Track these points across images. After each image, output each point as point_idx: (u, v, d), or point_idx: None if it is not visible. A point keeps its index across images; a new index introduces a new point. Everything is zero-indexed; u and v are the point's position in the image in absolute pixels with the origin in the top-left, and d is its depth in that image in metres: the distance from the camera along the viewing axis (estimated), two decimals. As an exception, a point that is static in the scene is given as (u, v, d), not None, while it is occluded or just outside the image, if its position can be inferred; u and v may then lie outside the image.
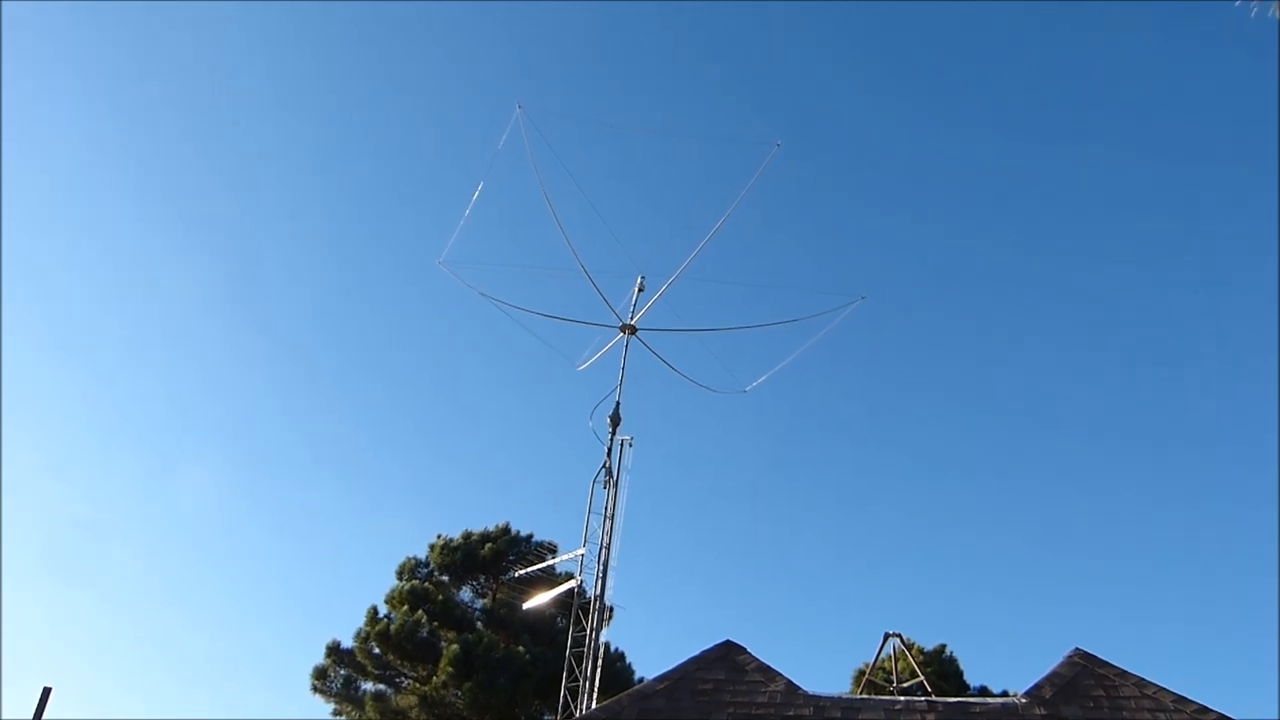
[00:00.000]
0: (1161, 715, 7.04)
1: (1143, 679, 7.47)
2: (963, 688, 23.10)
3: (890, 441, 46.62)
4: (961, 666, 25.13)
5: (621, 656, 22.99)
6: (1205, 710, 7.02)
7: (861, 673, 10.80)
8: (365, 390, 46.58)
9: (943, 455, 45.51)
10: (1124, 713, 7.11)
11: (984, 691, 22.54)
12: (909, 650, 15.88)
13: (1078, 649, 7.95)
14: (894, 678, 9.40)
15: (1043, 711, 7.20)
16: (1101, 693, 7.37)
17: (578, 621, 13.66)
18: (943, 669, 24.20)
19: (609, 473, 13.49)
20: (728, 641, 8.33)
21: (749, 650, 8.22)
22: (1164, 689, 7.32)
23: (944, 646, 25.62)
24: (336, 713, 22.35)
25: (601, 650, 13.62)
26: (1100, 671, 7.66)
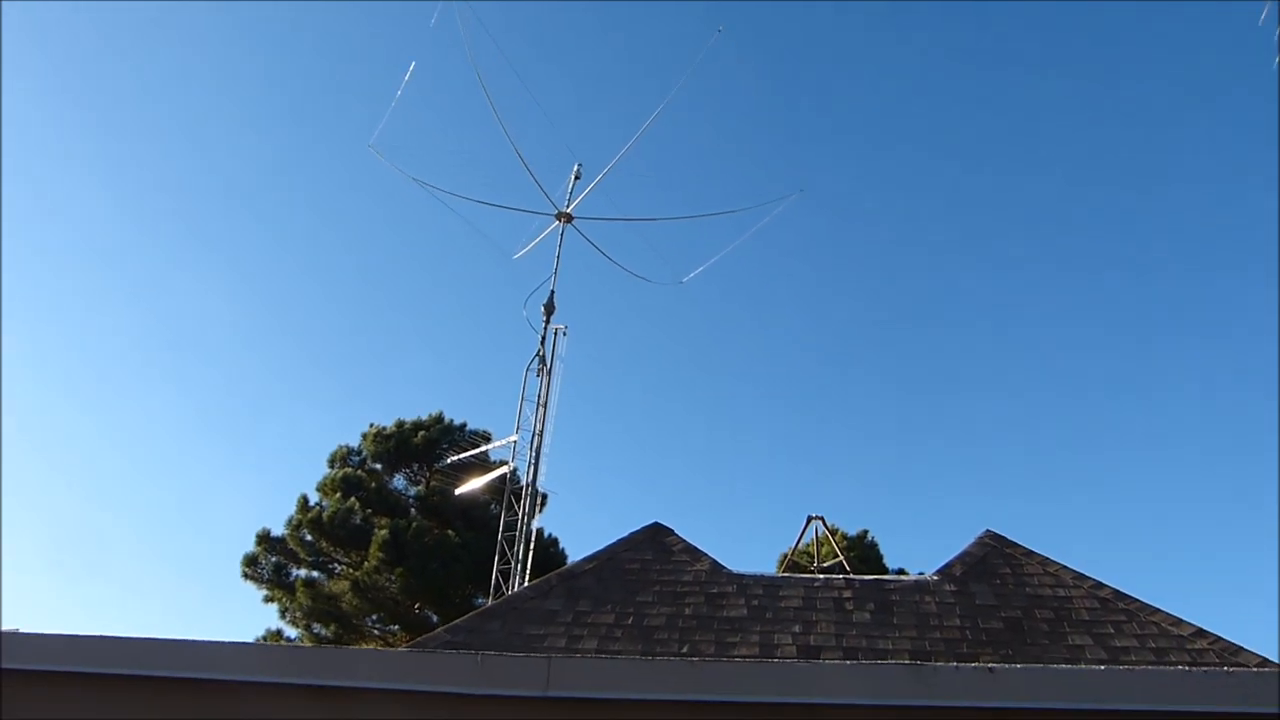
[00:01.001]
0: (1061, 590, 7.40)
1: (1047, 558, 7.81)
2: (882, 571, 24.19)
3: (822, 336, 47.36)
4: (882, 551, 26.26)
5: (554, 542, 23.53)
6: (1100, 585, 7.39)
7: (787, 557, 11.24)
8: (293, 277, 45.68)
9: (874, 351, 46.43)
10: (1027, 588, 7.45)
11: (901, 573, 23.62)
12: (831, 534, 16.52)
13: (988, 531, 8.29)
14: (816, 559, 9.82)
15: (953, 588, 7.52)
16: (1008, 571, 7.71)
17: (510, 507, 13.91)
18: (865, 553, 25.25)
19: (542, 361, 13.58)
20: (655, 524, 8.49)
21: (676, 532, 8.40)
22: (1065, 567, 7.67)
23: (866, 531, 26.68)
24: (268, 599, 22.65)
25: (533, 535, 13.92)
26: (1009, 551, 8.00)
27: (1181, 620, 6.92)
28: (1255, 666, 6.22)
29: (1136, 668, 5.29)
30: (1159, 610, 7.08)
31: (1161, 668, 6.21)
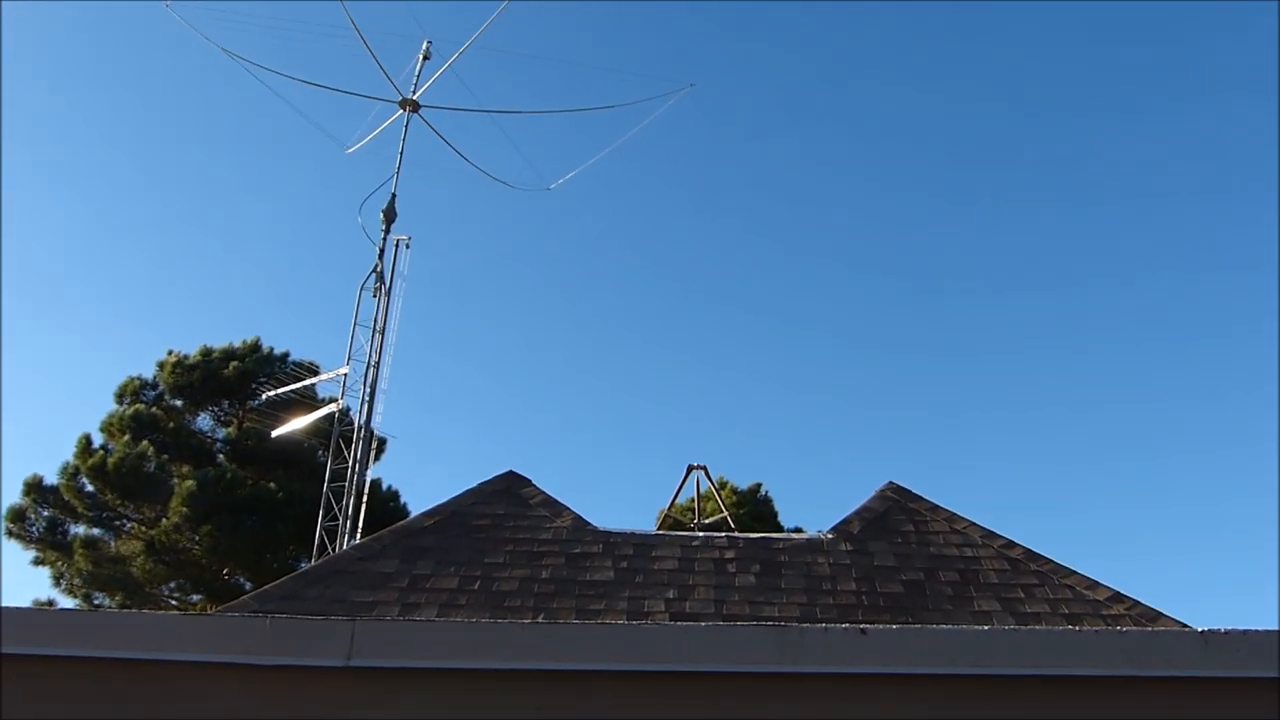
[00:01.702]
0: (969, 550, 7.61)
1: (954, 514, 8.06)
2: (777, 529, 24.79)
3: (711, 261, 47.83)
4: (777, 508, 26.93)
5: (394, 495, 23.27)
6: (1012, 544, 7.64)
7: (664, 513, 11.31)
8: (65, 171, 43.26)
9: (771, 283, 47.16)
10: (931, 547, 7.65)
11: (798, 532, 24.29)
12: (719, 487, 16.75)
13: (891, 483, 8.49)
14: (697, 514, 9.89)
15: (849, 546, 7.68)
16: (911, 528, 7.90)
17: (339, 453, 13.62)
18: (757, 509, 25.84)
19: (380, 279, 13.23)
20: (510, 472, 8.52)
21: (534, 483, 8.44)
22: (974, 524, 7.91)
23: (759, 486, 27.28)
24: (38, 561, 21.74)
25: (367, 486, 13.69)
26: (912, 506, 8.20)
27: (1098, 584, 7.21)
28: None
29: (1024, 628, 5.51)
30: (1074, 573, 7.37)
31: (1050, 628, 6.48)
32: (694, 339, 48.43)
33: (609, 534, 7.85)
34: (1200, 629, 3.98)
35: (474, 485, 8.38)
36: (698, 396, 47.33)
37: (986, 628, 5.15)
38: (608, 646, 4.01)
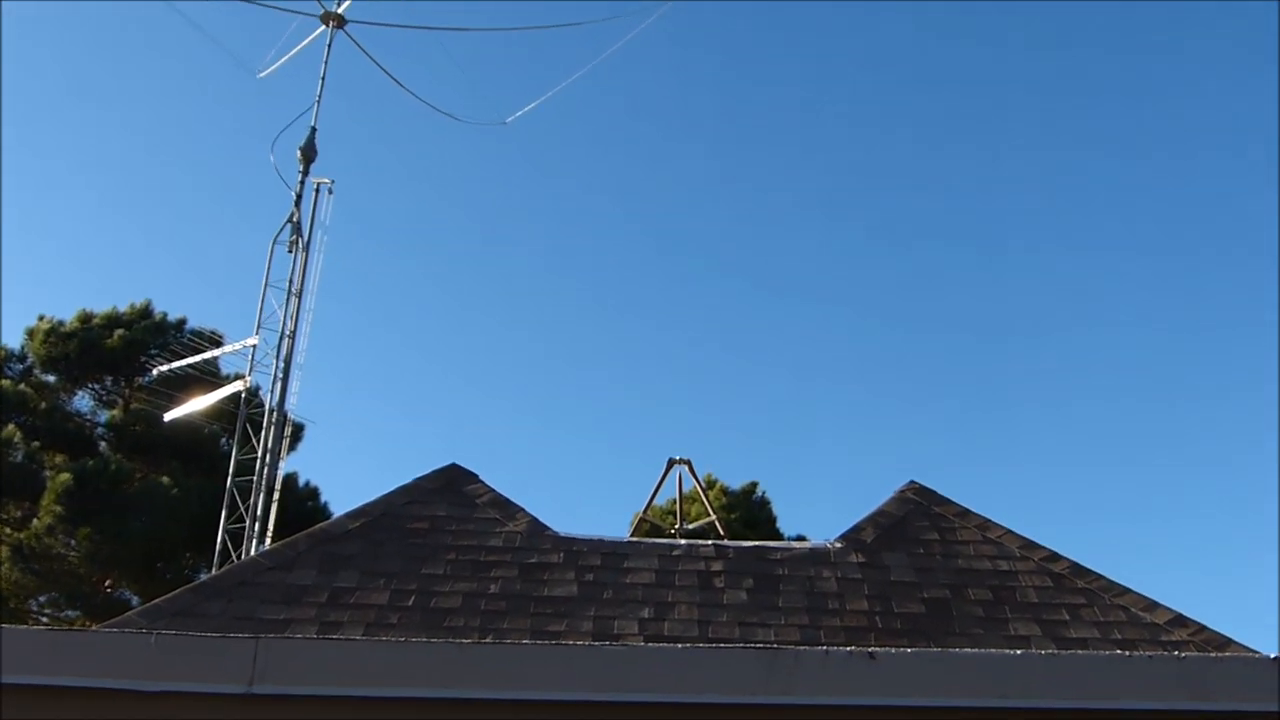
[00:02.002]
0: (1004, 563, 7.68)
1: (987, 520, 8.14)
2: (774, 536, 24.94)
3: (698, 212, 47.83)
4: (775, 511, 27.10)
5: (313, 493, 23.31)
6: (1056, 556, 7.70)
7: (640, 516, 11.33)
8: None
9: (769, 240, 47.19)
10: (959, 559, 7.72)
11: (799, 540, 24.42)
12: (707, 486, 16.81)
13: (912, 483, 8.55)
14: (679, 518, 9.90)
15: (860, 559, 7.74)
16: (935, 536, 7.99)
17: (246, 441, 13.59)
18: (751, 513, 26.02)
19: (296, 231, 13.18)
20: (453, 466, 8.53)
21: (482, 479, 8.46)
22: (1011, 532, 7.99)
23: (754, 486, 27.46)
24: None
25: (280, 480, 13.67)
26: (937, 511, 8.28)
27: (1157, 604, 7.27)
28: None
29: (1063, 653, 5.56)
30: (1129, 591, 7.43)
31: (1094, 653, 6.53)
32: (679, 308, 48.55)
33: (572, 540, 7.86)
34: (1274, 654, 4.02)
35: (409, 481, 8.41)
36: (682, 378, 47.48)
37: (1018, 652, 5.18)
38: (566, 671, 4.03)
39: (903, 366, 47.53)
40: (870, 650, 4.05)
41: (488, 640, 6.43)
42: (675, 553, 7.87)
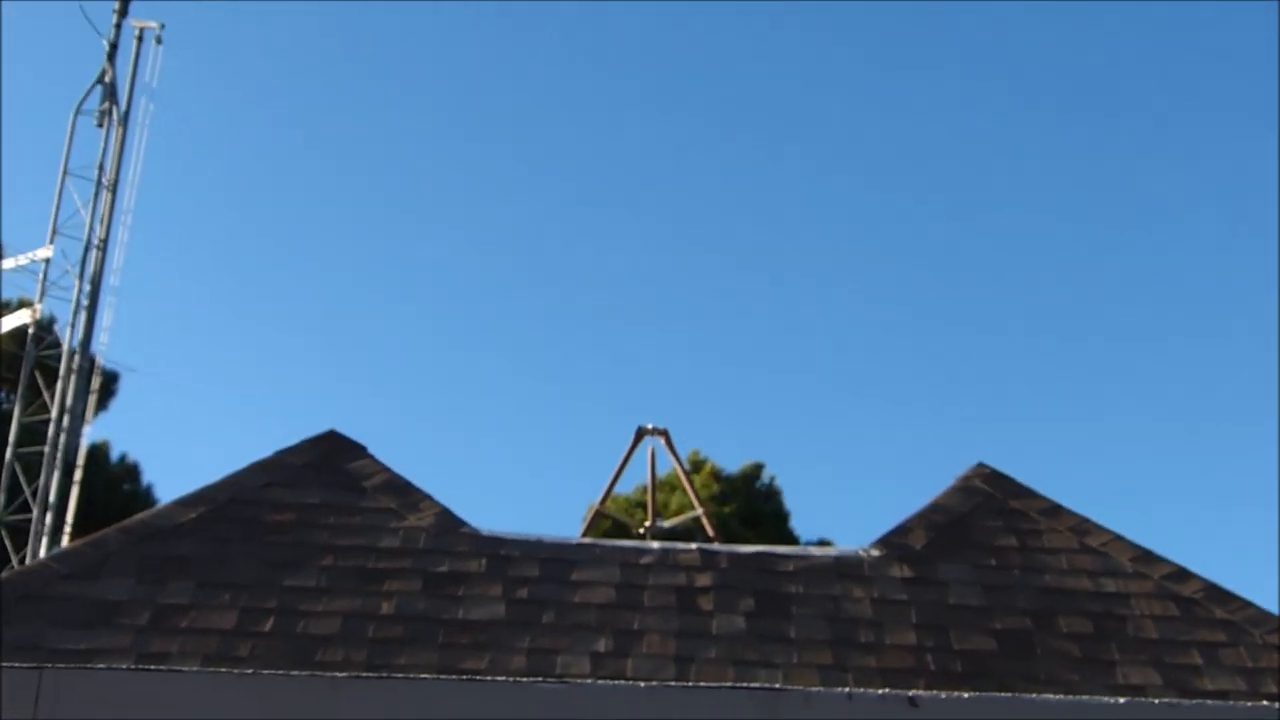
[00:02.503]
0: (1111, 581, 7.66)
1: (1087, 520, 8.15)
2: (784, 539, 24.88)
3: (699, 92, 47.77)
4: (787, 504, 27.07)
5: (133, 472, 23.11)
6: (1184, 574, 7.70)
7: (595, 508, 11.15)
8: None
9: (792, 161, 47.26)
10: (1046, 575, 7.70)
11: (821, 545, 24.38)
12: (689, 469, 16.63)
13: (981, 466, 8.57)
14: (651, 511, 9.77)
15: (906, 572, 7.71)
16: (1013, 541, 7.99)
17: (36, 395, 13.32)
18: (754, 506, 26.04)
19: (110, 95, 12.87)
20: (331, 434, 8.58)
21: (371, 454, 8.51)
22: (1120, 538, 7.99)
23: (758, 468, 27.46)
24: None
25: (83, 452, 13.42)
26: (1016, 506, 8.27)
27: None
28: None
29: (1194, 704, 5.44)
30: (1287, 623, 7.50)
31: (1228, 704, 6.52)
32: (656, 229, 48.48)
33: (499, 541, 7.88)
34: None
35: (269, 455, 8.45)
36: (661, 325, 47.53)
37: (1121, 700, 5.06)
38: (485, 712, 3.86)
39: (970, 331, 47.81)
40: (912, 694, 3.93)
41: (376, 675, 6.36)
42: (645, 559, 7.85)
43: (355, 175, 48.71)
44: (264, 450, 8.57)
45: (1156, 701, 6.34)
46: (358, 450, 8.46)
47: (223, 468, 8.86)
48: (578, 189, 49.89)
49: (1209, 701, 6.69)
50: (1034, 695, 6.39)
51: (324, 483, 8.19)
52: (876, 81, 49.49)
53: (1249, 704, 6.66)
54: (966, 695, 4.04)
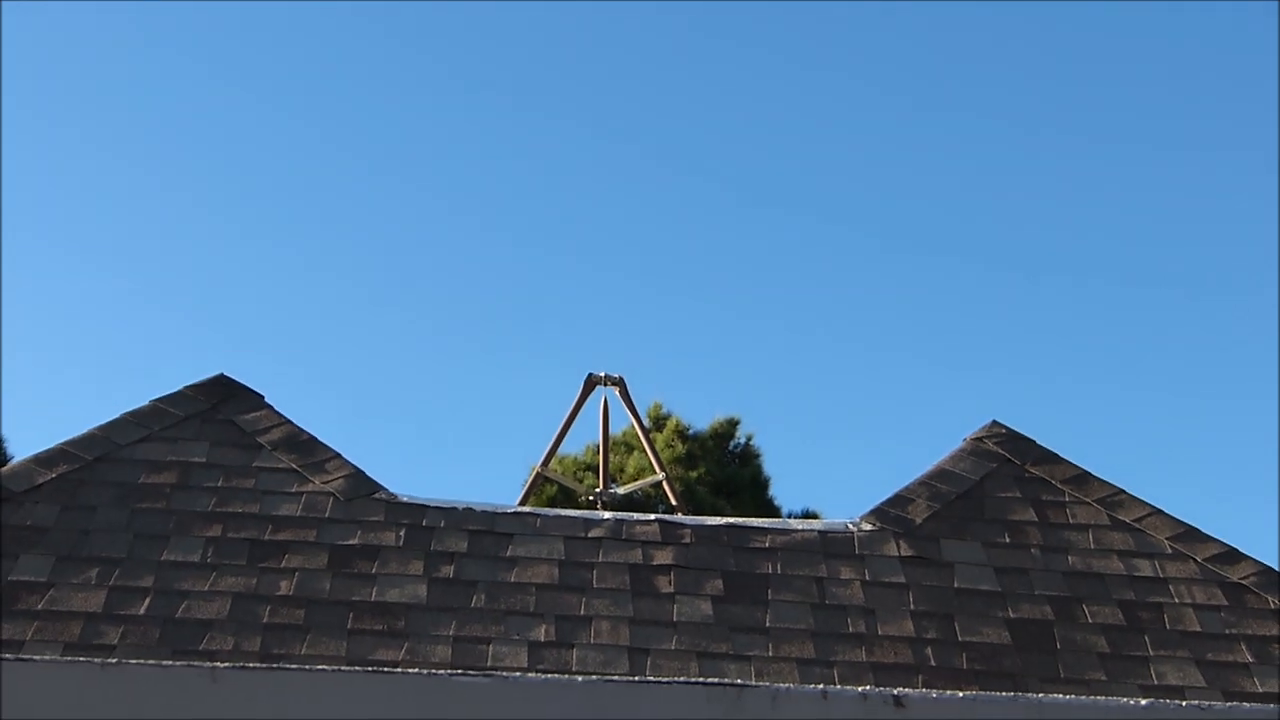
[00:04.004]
0: (1146, 563, 7.73)
1: (1121, 490, 8.24)
2: (764, 509, 24.87)
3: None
4: (766, 469, 27.09)
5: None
6: (1234, 554, 7.76)
7: (535, 470, 11.11)
8: None
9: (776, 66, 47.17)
10: (1070, 555, 7.77)
11: (807, 518, 24.39)
12: (648, 424, 16.60)
13: (995, 424, 8.66)
14: (603, 474, 9.76)
15: (905, 550, 7.76)
16: (1031, 515, 8.07)
17: None
18: (727, 470, 26.11)
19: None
20: (220, 378, 8.65)
21: (269, 403, 8.61)
22: (1159, 511, 8.08)
23: (733, 424, 27.45)
24: None
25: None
26: (1035, 473, 8.36)
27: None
28: None
29: (1241, 707, 5.49)
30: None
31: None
32: (609, 139, 48.36)
33: (420, 508, 7.94)
34: None
35: (146, 404, 8.45)
36: (616, 253, 47.46)
37: (1144, 702, 5.09)
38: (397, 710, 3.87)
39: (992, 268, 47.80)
40: (897, 693, 3.97)
41: (270, 666, 6.40)
42: (594, 532, 7.88)
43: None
44: (140, 399, 8.53)
45: (1184, 704, 6.37)
46: (253, 398, 8.51)
47: (89, 419, 8.81)
48: (518, 97, 49.50)
49: (1253, 705, 6.71)
50: (1039, 696, 6.42)
51: (211, 437, 8.20)
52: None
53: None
54: (961, 694, 4.02)
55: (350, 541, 7.56)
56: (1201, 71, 46.00)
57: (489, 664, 6.86)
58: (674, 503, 10.84)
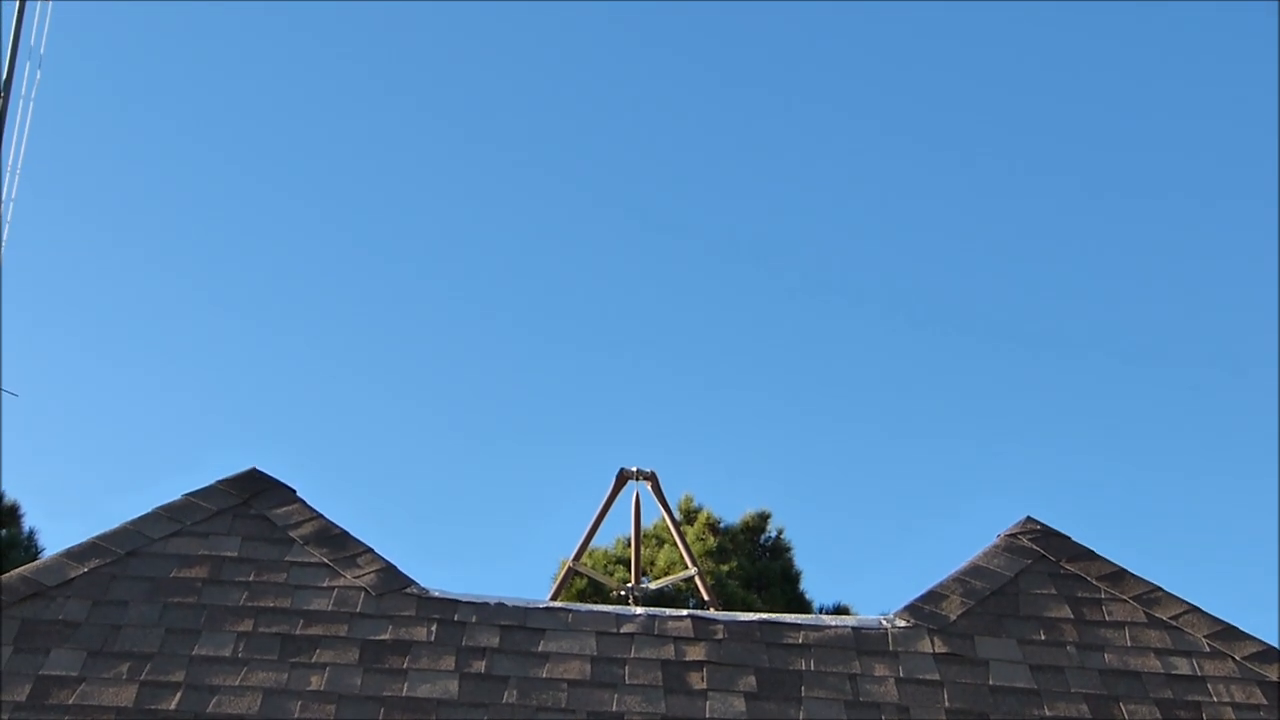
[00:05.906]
0: (1184, 661, 7.67)
1: (1157, 588, 8.20)
2: (795, 604, 24.77)
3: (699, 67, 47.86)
4: (797, 564, 26.99)
5: (11, 512, 22.99)
6: (1274, 652, 7.69)
7: (567, 565, 11.10)
8: None
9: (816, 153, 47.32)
10: (1107, 653, 7.73)
11: (839, 612, 24.27)
12: (683, 517, 16.58)
13: (1030, 520, 8.64)
14: (635, 569, 9.75)
15: (939, 647, 7.74)
16: (1067, 613, 8.03)
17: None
18: (759, 564, 25.97)
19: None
20: (252, 473, 8.64)
21: (301, 497, 8.59)
22: (1196, 609, 8.03)
23: (764, 518, 27.36)
24: None
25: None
26: (1071, 570, 8.33)
27: None
28: None
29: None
30: None
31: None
32: (642, 234, 48.51)
33: (451, 603, 7.94)
34: None
35: (178, 498, 8.45)
36: (649, 349, 47.53)
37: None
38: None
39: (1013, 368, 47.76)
40: None
41: None
42: (626, 627, 7.89)
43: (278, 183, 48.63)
44: (172, 492, 8.53)
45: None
46: (284, 492, 8.50)
47: (122, 513, 8.83)
48: (551, 189, 49.69)
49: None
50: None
51: (243, 532, 8.20)
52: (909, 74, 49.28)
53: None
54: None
55: (382, 636, 7.55)
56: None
57: (521, 762, 6.80)
58: (706, 597, 10.80)
